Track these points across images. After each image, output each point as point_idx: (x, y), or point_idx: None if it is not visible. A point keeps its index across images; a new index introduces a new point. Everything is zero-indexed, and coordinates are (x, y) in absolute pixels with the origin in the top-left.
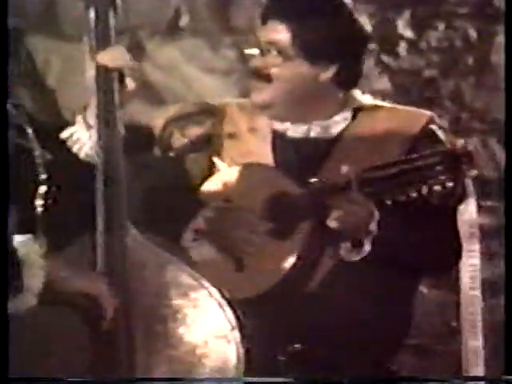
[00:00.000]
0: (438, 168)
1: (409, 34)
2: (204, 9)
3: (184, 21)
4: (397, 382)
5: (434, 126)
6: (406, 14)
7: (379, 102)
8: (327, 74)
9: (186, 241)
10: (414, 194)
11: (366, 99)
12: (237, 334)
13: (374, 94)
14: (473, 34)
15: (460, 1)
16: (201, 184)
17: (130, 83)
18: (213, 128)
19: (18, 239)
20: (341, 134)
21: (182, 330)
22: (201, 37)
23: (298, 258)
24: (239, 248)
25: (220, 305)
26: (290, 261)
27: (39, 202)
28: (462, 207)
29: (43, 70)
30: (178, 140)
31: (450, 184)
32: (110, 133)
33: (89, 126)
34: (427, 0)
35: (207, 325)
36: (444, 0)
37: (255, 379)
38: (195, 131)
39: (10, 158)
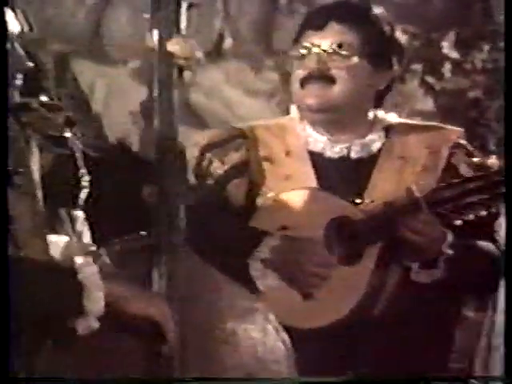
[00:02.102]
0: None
1: (454, 54)
2: (247, 32)
3: (227, 44)
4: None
5: (463, 141)
6: (451, 36)
7: (406, 120)
8: (384, 82)
9: (253, 270)
10: (484, 213)
11: (392, 118)
12: (292, 359)
13: (418, 114)
14: None
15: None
16: (248, 210)
17: (188, 75)
18: (249, 152)
19: (77, 261)
20: (379, 153)
21: (236, 353)
22: (244, 60)
23: (369, 284)
24: (307, 276)
25: (275, 328)
26: (361, 287)
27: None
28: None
29: (88, 94)
30: (218, 167)
31: None
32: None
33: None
34: (472, 21)
35: (262, 348)
36: (489, 21)
37: (308, 379)
38: (233, 157)
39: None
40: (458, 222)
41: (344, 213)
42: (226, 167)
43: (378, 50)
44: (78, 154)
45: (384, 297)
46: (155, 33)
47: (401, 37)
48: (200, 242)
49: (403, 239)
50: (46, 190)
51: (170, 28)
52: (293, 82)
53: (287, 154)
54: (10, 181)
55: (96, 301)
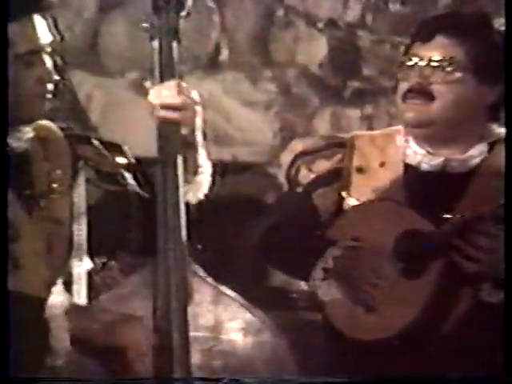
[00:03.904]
0: None
1: None
2: (244, 43)
3: (224, 55)
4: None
5: None
6: None
7: None
8: (492, 96)
9: (314, 279)
10: None
11: (502, 132)
12: (303, 380)
13: None
14: None
15: None
16: (330, 219)
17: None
18: (341, 162)
19: (49, 300)
20: (476, 169)
21: (240, 365)
22: (241, 70)
23: (431, 299)
24: (369, 288)
25: (278, 340)
26: (423, 301)
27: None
28: None
29: (86, 106)
30: (305, 175)
31: None
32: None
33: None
34: None
35: (266, 360)
36: None
37: (311, 380)
38: (322, 166)
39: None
40: None
41: (415, 226)
42: (312, 175)
43: (488, 63)
44: (132, 193)
45: (446, 314)
46: (155, 42)
47: None
48: (270, 247)
49: (468, 255)
50: (90, 220)
51: (171, 37)
52: (397, 94)
53: (382, 164)
54: (35, 202)
55: (61, 341)
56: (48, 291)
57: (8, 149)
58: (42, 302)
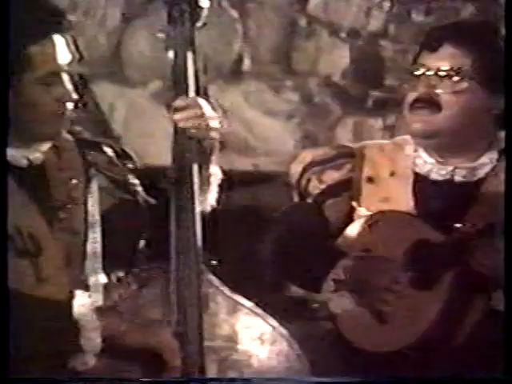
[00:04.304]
0: None
1: None
2: (266, 52)
3: (246, 64)
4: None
5: None
6: None
7: None
8: (500, 106)
9: (326, 291)
10: None
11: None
12: (313, 379)
13: None
14: None
15: None
16: (340, 230)
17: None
18: (351, 172)
19: (75, 299)
20: (486, 177)
21: (255, 375)
22: (263, 80)
23: (444, 310)
24: (381, 299)
25: (294, 350)
26: (435, 312)
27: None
28: None
29: (108, 116)
30: (316, 186)
31: None
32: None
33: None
34: None
35: (281, 370)
36: None
37: (322, 379)
38: (332, 176)
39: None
40: None
41: (425, 236)
42: (323, 186)
43: (495, 72)
44: (141, 201)
45: (459, 325)
46: (171, 53)
47: None
48: (280, 258)
49: (478, 265)
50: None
51: (186, 48)
52: (405, 104)
53: (392, 174)
54: (54, 215)
55: (92, 339)
56: (70, 300)
57: (27, 162)
58: (66, 306)
